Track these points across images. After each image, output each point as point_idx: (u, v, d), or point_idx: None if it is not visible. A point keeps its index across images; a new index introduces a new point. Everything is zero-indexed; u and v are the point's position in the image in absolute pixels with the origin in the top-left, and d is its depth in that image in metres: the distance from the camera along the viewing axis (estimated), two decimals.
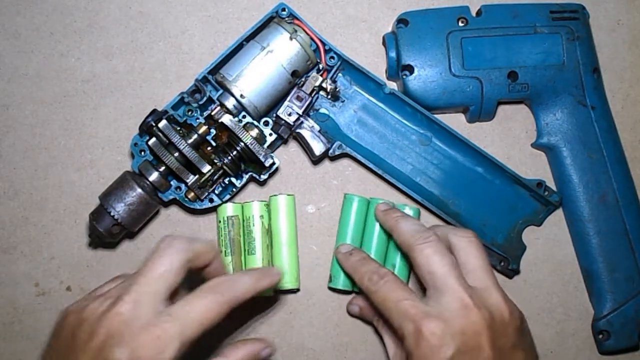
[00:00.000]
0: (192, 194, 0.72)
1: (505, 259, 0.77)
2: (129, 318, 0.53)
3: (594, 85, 0.77)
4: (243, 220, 0.74)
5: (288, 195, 0.74)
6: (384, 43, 0.78)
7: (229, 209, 0.74)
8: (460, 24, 0.76)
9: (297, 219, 0.76)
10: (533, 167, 0.79)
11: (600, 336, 0.77)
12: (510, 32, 0.76)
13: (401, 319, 0.59)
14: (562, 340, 0.79)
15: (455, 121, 0.78)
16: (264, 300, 0.77)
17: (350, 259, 0.70)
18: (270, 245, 0.74)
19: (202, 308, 0.55)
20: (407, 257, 0.65)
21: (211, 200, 0.73)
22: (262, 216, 0.74)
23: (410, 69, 0.75)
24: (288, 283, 0.74)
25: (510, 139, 0.80)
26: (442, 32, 0.75)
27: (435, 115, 0.75)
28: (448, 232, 0.65)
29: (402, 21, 0.76)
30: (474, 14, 0.77)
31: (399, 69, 0.76)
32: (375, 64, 0.79)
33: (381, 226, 0.73)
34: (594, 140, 0.76)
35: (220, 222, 0.74)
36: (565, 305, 0.79)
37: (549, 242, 0.80)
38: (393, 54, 0.76)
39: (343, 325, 0.78)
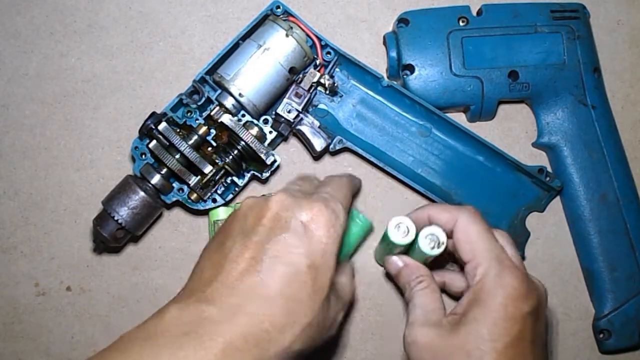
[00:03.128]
0: (195, 195, 0.72)
1: None
2: (298, 192, 0.59)
3: (595, 84, 0.77)
4: None
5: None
6: (384, 43, 0.78)
7: (220, 213, 0.74)
8: (461, 24, 0.76)
9: None
10: None
11: (601, 335, 0.77)
12: (510, 31, 0.76)
13: (492, 257, 0.59)
14: (562, 340, 0.79)
15: (456, 120, 0.78)
16: None
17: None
18: None
19: (345, 187, 0.62)
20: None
21: (214, 201, 0.73)
22: None
23: (411, 68, 0.75)
24: None
25: (511, 138, 0.80)
26: (442, 32, 0.75)
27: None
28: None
29: (402, 21, 0.76)
30: (474, 14, 0.77)
31: (399, 69, 0.76)
32: (376, 64, 0.79)
33: None
34: (595, 139, 0.76)
35: (210, 225, 0.75)
36: (565, 305, 0.79)
37: (549, 242, 0.80)
38: (394, 54, 0.76)
39: (343, 325, 0.78)
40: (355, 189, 0.66)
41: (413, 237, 0.65)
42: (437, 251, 0.64)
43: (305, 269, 0.53)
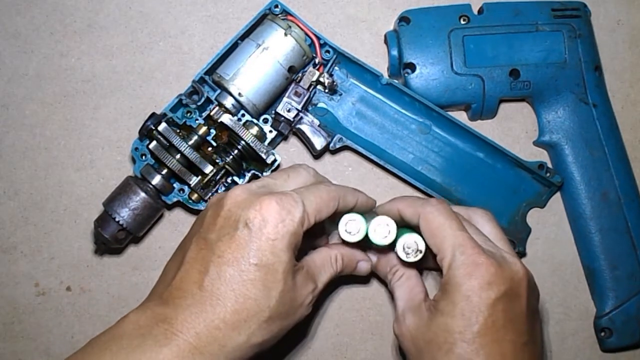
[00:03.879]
0: (196, 195, 0.72)
1: (511, 242, 0.76)
2: (260, 188, 0.60)
3: (596, 83, 0.77)
4: None
5: None
6: (385, 41, 0.78)
7: None
8: (462, 22, 0.76)
9: None
10: None
11: (602, 334, 0.77)
12: (512, 30, 0.76)
13: (455, 248, 0.59)
14: (562, 340, 0.79)
15: (455, 117, 0.78)
16: None
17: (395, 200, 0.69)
18: None
19: (323, 193, 0.61)
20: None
21: None
22: None
23: (412, 67, 0.75)
24: None
25: (512, 137, 0.80)
26: (443, 30, 0.76)
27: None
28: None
29: (404, 19, 0.76)
30: (475, 12, 0.77)
31: (401, 67, 0.76)
32: (376, 64, 0.78)
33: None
34: (596, 137, 0.76)
35: None
36: (565, 305, 0.79)
37: (549, 242, 0.80)
38: (395, 52, 0.76)
39: (343, 325, 0.78)
40: (347, 201, 0.65)
41: (394, 236, 0.64)
42: (388, 240, 0.64)
43: (252, 268, 0.55)
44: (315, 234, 0.69)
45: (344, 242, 0.65)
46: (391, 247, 0.65)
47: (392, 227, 0.64)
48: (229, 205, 0.58)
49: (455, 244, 0.59)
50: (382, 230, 0.64)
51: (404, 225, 0.66)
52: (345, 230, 0.64)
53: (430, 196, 0.76)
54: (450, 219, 0.61)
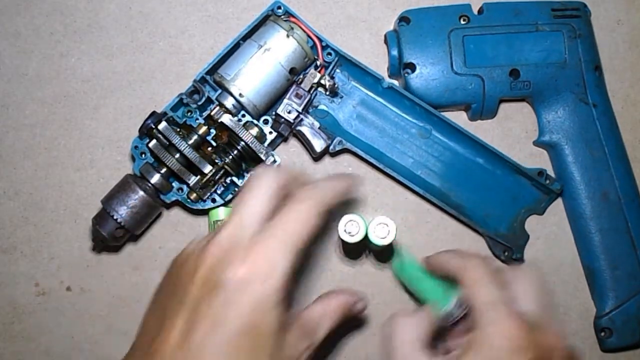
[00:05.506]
0: (195, 194, 0.72)
1: (509, 248, 0.77)
2: (234, 241, 0.52)
3: (596, 83, 0.77)
4: None
5: None
6: (385, 41, 0.78)
7: (220, 213, 0.74)
8: (462, 22, 0.76)
9: None
10: (535, 165, 0.79)
11: (603, 334, 0.77)
12: (512, 30, 0.76)
13: (487, 306, 0.56)
14: None
15: (456, 119, 0.77)
16: None
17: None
18: None
19: (299, 217, 0.53)
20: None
21: (213, 201, 0.73)
22: None
23: (412, 67, 0.75)
24: None
25: (512, 137, 0.80)
26: (443, 30, 0.75)
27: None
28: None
29: (404, 19, 0.76)
30: (475, 12, 0.77)
31: (400, 67, 0.76)
32: (376, 64, 0.79)
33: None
34: (596, 137, 0.76)
35: (209, 225, 0.75)
36: (565, 305, 0.79)
37: (549, 242, 0.80)
38: (395, 52, 0.76)
39: (343, 325, 0.78)
40: (335, 196, 0.57)
41: (393, 237, 0.64)
42: (387, 241, 0.64)
43: (236, 331, 0.49)
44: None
45: (344, 245, 0.64)
46: (389, 248, 0.65)
47: (392, 227, 0.64)
48: (209, 263, 0.51)
49: (491, 299, 0.56)
50: (381, 230, 0.64)
51: (448, 278, 0.63)
52: (345, 231, 0.64)
53: (429, 200, 0.76)
54: (490, 274, 0.58)
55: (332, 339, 0.77)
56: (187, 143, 0.70)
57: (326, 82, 0.74)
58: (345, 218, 0.64)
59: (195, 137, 0.71)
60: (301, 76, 0.74)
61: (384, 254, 0.77)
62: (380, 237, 0.64)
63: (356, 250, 0.77)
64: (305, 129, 0.74)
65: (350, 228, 0.65)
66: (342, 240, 0.65)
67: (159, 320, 0.52)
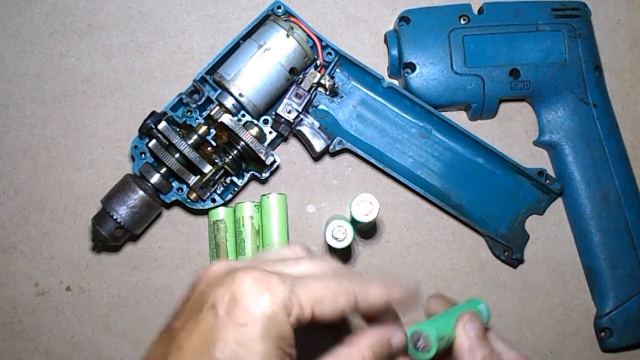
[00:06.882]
0: (194, 194, 0.72)
1: (509, 248, 0.77)
2: (234, 266, 0.46)
3: (596, 82, 0.77)
4: (235, 222, 0.74)
5: (279, 194, 0.74)
6: (385, 41, 0.78)
7: (219, 213, 0.74)
8: (462, 22, 0.76)
9: (289, 219, 0.76)
10: (535, 164, 0.79)
11: (603, 334, 0.77)
12: (512, 29, 0.76)
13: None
14: (562, 340, 0.79)
15: (456, 119, 0.78)
16: None
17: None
18: (261, 247, 0.74)
19: (324, 281, 0.46)
20: None
21: (213, 200, 0.73)
22: (251, 217, 0.73)
23: (412, 66, 0.75)
24: None
25: (512, 136, 0.80)
26: (444, 30, 0.76)
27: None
28: None
29: (404, 19, 0.76)
30: (475, 12, 0.77)
31: (400, 67, 0.76)
32: (376, 64, 0.79)
33: None
34: (596, 137, 0.76)
35: (209, 225, 0.75)
36: (565, 305, 0.79)
37: (549, 242, 0.80)
38: (395, 52, 0.76)
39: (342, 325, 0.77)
40: (369, 299, 0.48)
41: (376, 214, 0.65)
42: (369, 218, 0.65)
43: None
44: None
45: (331, 250, 0.64)
46: (370, 225, 0.65)
47: (375, 204, 0.64)
48: (202, 285, 0.46)
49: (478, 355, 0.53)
50: (364, 207, 0.64)
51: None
52: (332, 236, 0.64)
53: (429, 200, 0.76)
54: (478, 329, 0.54)
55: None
56: (186, 143, 0.70)
57: (326, 82, 0.74)
58: (333, 223, 0.64)
59: (195, 137, 0.71)
60: (301, 76, 0.74)
61: (370, 233, 0.77)
62: (363, 213, 0.64)
63: (343, 256, 0.77)
64: (305, 129, 0.74)
65: (337, 234, 0.65)
66: (329, 246, 0.65)
67: (168, 339, 0.46)
